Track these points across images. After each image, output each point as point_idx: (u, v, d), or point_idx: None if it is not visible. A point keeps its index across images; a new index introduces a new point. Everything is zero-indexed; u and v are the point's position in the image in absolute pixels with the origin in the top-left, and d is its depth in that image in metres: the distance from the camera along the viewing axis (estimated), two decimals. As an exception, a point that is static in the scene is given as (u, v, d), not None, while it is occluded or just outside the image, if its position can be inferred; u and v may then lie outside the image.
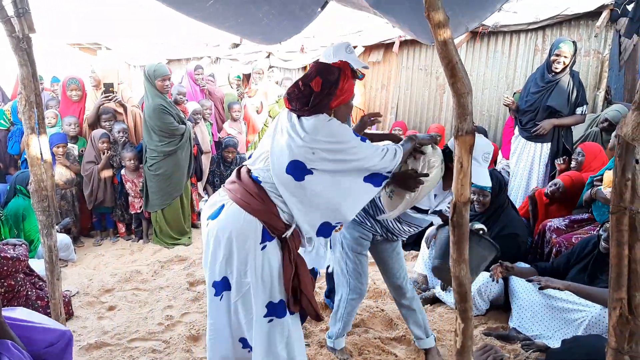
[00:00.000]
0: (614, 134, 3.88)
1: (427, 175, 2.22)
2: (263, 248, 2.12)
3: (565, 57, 4.53)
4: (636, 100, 1.08)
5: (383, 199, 2.46)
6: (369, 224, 2.82)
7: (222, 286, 2.23)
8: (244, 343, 2.33)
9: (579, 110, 4.63)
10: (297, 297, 2.20)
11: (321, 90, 2.06)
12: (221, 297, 2.26)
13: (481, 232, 2.60)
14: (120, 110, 5.42)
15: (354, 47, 7.71)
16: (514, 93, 5.94)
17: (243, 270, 2.15)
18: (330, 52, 3.06)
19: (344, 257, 2.89)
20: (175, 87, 5.43)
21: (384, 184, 2.19)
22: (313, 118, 2.07)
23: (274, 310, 2.18)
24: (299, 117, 2.12)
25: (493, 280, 3.35)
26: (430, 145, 2.31)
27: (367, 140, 2.16)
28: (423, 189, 2.24)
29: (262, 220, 2.11)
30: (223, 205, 2.19)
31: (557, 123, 4.66)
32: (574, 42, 4.62)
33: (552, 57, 4.61)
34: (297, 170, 2.04)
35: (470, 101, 1.30)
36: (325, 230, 2.20)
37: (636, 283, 1.13)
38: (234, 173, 2.27)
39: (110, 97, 5.12)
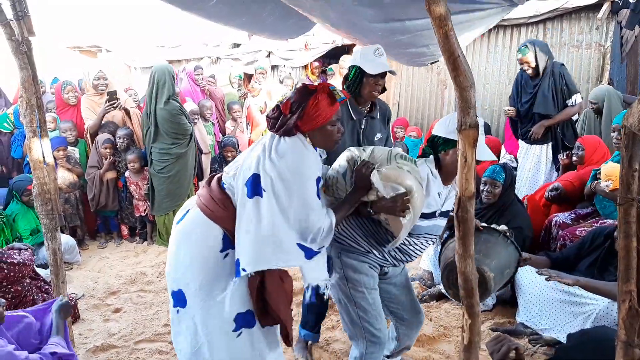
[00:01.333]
0: (614, 134, 3.87)
1: (405, 194, 2.01)
2: (225, 256, 2.01)
3: (527, 62, 4.55)
4: (642, 90, 1.07)
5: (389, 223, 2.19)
6: (376, 253, 2.35)
7: (177, 299, 2.08)
8: None
9: (569, 102, 4.60)
10: (267, 310, 2.03)
11: (290, 113, 1.96)
12: (177, 311, 2.10)
13: (507, 234, 2.35)
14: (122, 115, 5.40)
15: (353, 45, 7.74)
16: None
17: (202, 280, 2.01)
18: (357, 55, 2.80)
19: (352, 302, 2.33)
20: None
21: (315, 258, 1.99)
22: (289, 140, 1.97)
23: (243, 321, 2.04)
24: (280, 136, 2.01)
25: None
26: (387, 164, 2.12)
27: (320, 202, 1.98)
28: (415, 204, 2.04)
29: (224, 228, 2.00)
30: (189, 210, 2.12)
31: (548, 124, 4.63)
32: (527, 45, 4.59)
33: (519, 66, 4.73)
34: (254, 186, 1.92)
35: (473, 94, 1.28)
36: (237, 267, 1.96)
37: (645, 275, 1.11)
38: (207, 179, 2.17)
39: (115, 105, 5.09)
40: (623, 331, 1.13)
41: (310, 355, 3.02)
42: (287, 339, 2.11)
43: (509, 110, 4.86)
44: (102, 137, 5.12)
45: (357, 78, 2.78)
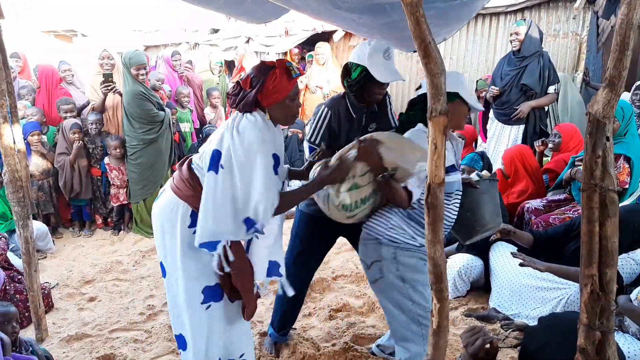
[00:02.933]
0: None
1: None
2: (194, 232, 2.08)
3: (517, 34, 4.76)
4: (606, 78, 1.08)
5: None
6: (423, 240, 2.24)
7: (162, 270, 2.25)
8: (181, 339, 2.26)
9: (550, 89, 4.75)
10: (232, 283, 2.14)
11: (250, 88, 2.04)
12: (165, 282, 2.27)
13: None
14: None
15: (334, 32, 7.71)
16: (477, 81, 6.00)
17: (175, 254, 2.14)
18: (364, 53, 2.50)
19: (412, 302, 2.24)
20: (153, 74, 5.35)
21: (252, 231, 2.06)
22: (249, 117, 2.05)
23: (211, 294, 2.16)
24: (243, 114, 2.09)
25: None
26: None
27: (277, 177, 2.07)
28: (401, 163, 2.13)
29: (192, 206, 2.11)
30: (164, 191, 2.26)
31: (534, 104, 4.76)
32: (525, 20, 4.89)
33: (509, 39, 4.94)
34: (214, 160, 2.03)
35: (443, 82, 1.29)
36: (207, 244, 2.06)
37: (607, 260, 1.14)
38: (181, 161, 2.27)
39: (110, 87, 4.99)
40: (585, 315, 1.16)
41: (276, 351, 2.98)
42: (244, 313, 2.21)
43: (493, 90, 4.92)
44: (69, 122, 4.99)
45: (361, 80, 2.51)
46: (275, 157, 2.06)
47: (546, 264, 3.05)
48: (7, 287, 3.38)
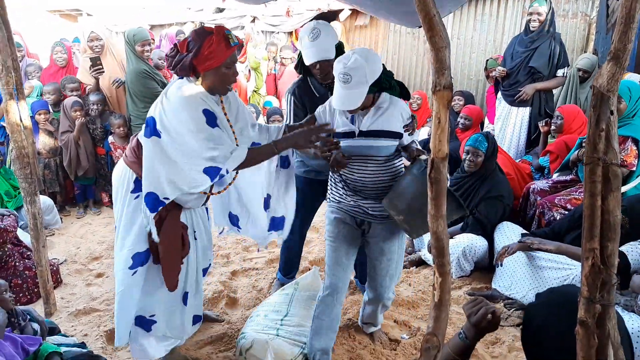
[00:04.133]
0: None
1: None
2: (136, 197, 2.25)
3: (539, 14, 4.62)
4: (611, 51, 1.08)
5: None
6: (342, 192, 2.48)
7: (116, 235, 2.39)
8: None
9: (559, 72, 4.70)
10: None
11: (187, 52, 2.07)
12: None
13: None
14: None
15: (340, 11, 7.64)
16: (487, 60, 5.94)
17: (120, 213, 2.31)
18: (300, 37, 2.65)
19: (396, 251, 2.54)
20: (156, 52, 5.30)
21: (217, 177, 2.17)
22: (177, 82, 2.13)
23: (139, 260, 2.29)
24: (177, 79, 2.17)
25: (498, 267, 3.31)
26: None
27: (218, 129, 2.14)
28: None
29: (135, 172, 2.24)
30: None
31: (540, 87, 4.72)
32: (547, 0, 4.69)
33: (527, 17, 4.76)
34: (152, 127, 2.11)
35: (448, 55, 1.28)
36: (149, 200, 2.17)
37: (609, 233, 1.14)
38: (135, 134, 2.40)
39: (100, 71, 4.98)
40: (585, 288, 1.17)
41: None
42: (167, 283, 2.33)
43: (501, 70, 4.88)
44: (70, 100, 4.98)
45: (302, 64, 2.71)
46: (207, 112, 2.10)
47: (556, 244, 3.06)
48: (17, 264, 3.44)
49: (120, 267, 2.31)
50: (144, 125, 2.18)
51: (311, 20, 8.03)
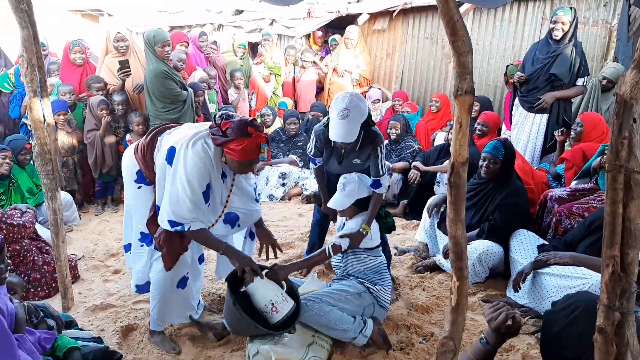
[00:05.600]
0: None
1: None
2: (139, 187, 2.61)
3: (562, 23, 4.58)
4: (635, 59, 1.08)
5: None
6: None
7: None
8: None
9: (579, 81, 4.66)
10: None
11: (223, 131, 2.35)
12: None
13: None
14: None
15: (358, 15, 7.64)
16: (508, 66, 5.91)
17: (126, 196, 2.75)
18: (331, 106, 2.97)
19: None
20: (175, 54, 5.38)
21: (175, 229, 2.43)
22: (204, 142, 2.39)
23: (144, 239, 2.69)
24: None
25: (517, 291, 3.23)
26: None
27: (204, 202, 2.44)
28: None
29: (139, 166, 2.57)
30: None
31: (559, 95, 4.69)
32: (572, 8, 4.65)
33: (551, 25, 4.67)
34: (170, 155, 2.40)
35: (470, 60, 1.29)
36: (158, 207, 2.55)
37: (629, 241, 1.14)
38: (151, 129, 2.70)
39: (127, 73, 5.06)
40: (605, 295, 1.16)
41: (308, 271, 3.67)
42: (165, 264, 2.61)
43: (520, 76, 4.85)
44: (96, 99, 5.09)
45: (327, 126, 3.00)
46: (208, 186, 2.42)
47: (572, 255, 3.02)
48: (36, 258, 3.50)
49: (133, 238, 2.78)
50: (163, 150, 2.46)
51: (329, 22, 8.08)
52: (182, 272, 2.72)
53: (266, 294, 2.52)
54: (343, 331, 2.65)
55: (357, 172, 3.06)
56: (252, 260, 2.61)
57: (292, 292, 2.69)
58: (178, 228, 2.40)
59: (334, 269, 3.18)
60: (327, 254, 2.81)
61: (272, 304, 2.51)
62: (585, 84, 4.69)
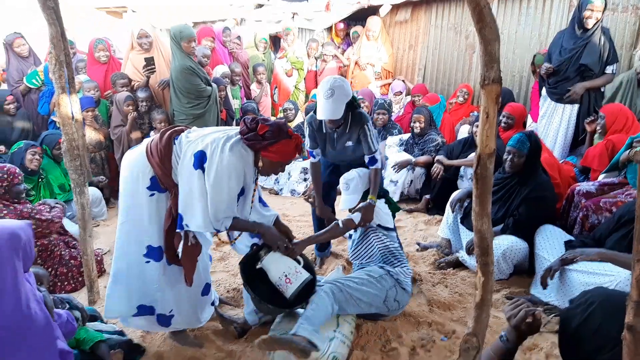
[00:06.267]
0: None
1: None
2: (151, 195, 2.41)
3: (597, 11, 4.45)
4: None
5: None
6: None
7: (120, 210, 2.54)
8: (114, 276, 2.60)
9: (608, 69, 4.54)
10: (176, 252, 2.43)
11: (262, 135, 2.34)
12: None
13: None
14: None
15: (380, 6, 7.57)
16: (535, 55, 5.77)
17: (129, 203, 2.45)
18: (318, 89, 3.16)
19: None
20: (200, 49, 5.42)
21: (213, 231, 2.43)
22: (241, 150, 2.35)
23: (151, 254, 2.47)
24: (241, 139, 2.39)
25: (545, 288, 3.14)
26: None
27: (243, 205, 2.52)
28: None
29: (155, 172, 2.39)
30: (143, 144, 2.54)
31: (589, 86, 4.58)
32: None
33: (585, 13, 4.52)
34: (200, 160, 2.31)
35: (497, 48, 1.26)
36: (179, 220, 2.38)
37: (662, 235, 1.10)
38: (164, 129, 2.52)
39: (152, 70, 5.13)
40: (636, 291, 1.13)
41: (322, 263, 3.88)
42: (187, 281, 2.51)
43: (548, 67, 4.75)
44: (122, 95, 5.16)
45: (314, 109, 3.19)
46: (242, 189, 2.42)
47: (599, 252, 2.94)
48: (63, 253, 3.58)
49: (131, 254, 2.48)
50: (189, 155, 2.34)
51: (350, 14, 8.02)
52: (204, 280, 2.68)
53: (279, 267, 2.60)
54: (377, 296, 2.75)
55: (351, 156, 3.32)
56: (282, 237, 2.66)
57: (308, 268, 2.73)
58: (218, 232, 2.42)
59: (351, 260, 3.23)
60: (341, 229, 2.94)
61: (285, 276, 2.57)
62: (614, 71, 4.56)
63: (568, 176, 4.26)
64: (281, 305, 2.59)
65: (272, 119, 2.74)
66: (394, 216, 3.27)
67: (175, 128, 2.53)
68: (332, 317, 2.65)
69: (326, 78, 3.11)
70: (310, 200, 3.81)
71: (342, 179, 3.21)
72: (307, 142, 3.43)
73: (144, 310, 2.58)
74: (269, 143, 2.35)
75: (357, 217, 2.97)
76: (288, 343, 2.29)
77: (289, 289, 2.57)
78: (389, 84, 7.38)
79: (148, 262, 2.48)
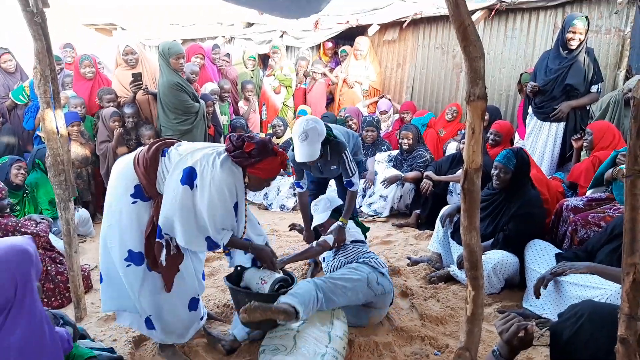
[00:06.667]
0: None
1: None
2: (134, 202, 2.46)
3: (580, 33, 4.55)
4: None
5: None
6: None
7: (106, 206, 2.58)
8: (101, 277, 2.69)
9: (593, 89, 4.65)
10: (156, 259, 2.48)
11: (248, 153, 2.41)
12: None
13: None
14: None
15: (369, 26, 7.67)
16: (522, 74, 5.86)
17: (112, 207, 2.51)
18: (294, 130, 3.29)
19: None
20: (188, 66, 5.43)
21: (214, 249, 2.55)
22: (231, 166, 2.43)
23: (132, 258, 2.49)
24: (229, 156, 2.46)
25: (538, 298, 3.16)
26: None
27: (239, 218, 2.58)
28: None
29: (140, 180, 2.45)
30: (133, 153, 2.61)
31: (575, 104, 4.66)
32: (586, 17, 4.62)
33: (567, 35, 4.63)
34: (189, 176, 2.36)
35: (482, 65, 1.27)
36: (159, 230, 2.44)
37: (650, 248, 1.11)
38: (155, 141, 2.59)
39: (140, 86, 5.12)
40: (626, 304, 1.13)
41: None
42: (166, 287, 2.56)
43: (533, 86, 4.82)
44: (109, 111, 5.12)
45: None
46: (236, 205, 2.49)
47: (588, 265, 2.96)
48: (49, 268, 3.51)
49: (114, 257, 2.53)
50: (178, 170, 2.39)
51: (339, 33, 8.10)
52: (190, 292, 2.69)
53: (257, 275, 2.75)
54: (359, 281, 2.84)
55: (338, 173, 3.57)
56: (271, 256, 2.80)
57: (287, 275, 2.90)
58: (215, 248, 2.51)
59: (325, 272, 3.35)
60: (316, 249, 3.21)
61: (261, 279, 2.72)
62: (599, 90, 4.65)
63: (556, 191, 4.30)
64: (259, 296, 2.66)
65: (261, 134, 2.79)
66: (365, 237, 3.59)
67: (165, 140, 2.59)
68: (322, 326, 2.67)
69: (299, 120, 3.25)
70: (297, 228, 3.92)
71: (312, 204, 3.52)
72: (295, 176, 3.70)
73: (130, 309, 2.64)
74: (255, 161, 2.42)
75: (330, 239, 3.22)
76: (269, 309, 2.36)
77: (264, 288, 2.70)
78: (377, 102, 7.44)
79: (129, 265, 2.50)
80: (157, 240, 2.44)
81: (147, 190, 2.46)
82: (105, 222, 2.56)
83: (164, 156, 2.49)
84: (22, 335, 1.67)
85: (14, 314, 1.68)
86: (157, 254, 2.46)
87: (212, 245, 2.49)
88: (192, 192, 2.37)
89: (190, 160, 2.40)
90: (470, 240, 1.35)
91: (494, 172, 3.65)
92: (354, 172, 3.42)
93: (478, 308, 1.38)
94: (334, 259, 3.26)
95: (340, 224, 3.28)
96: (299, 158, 3.20)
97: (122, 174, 2.52)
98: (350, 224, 3.40)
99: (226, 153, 2.46)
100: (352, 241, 3.31)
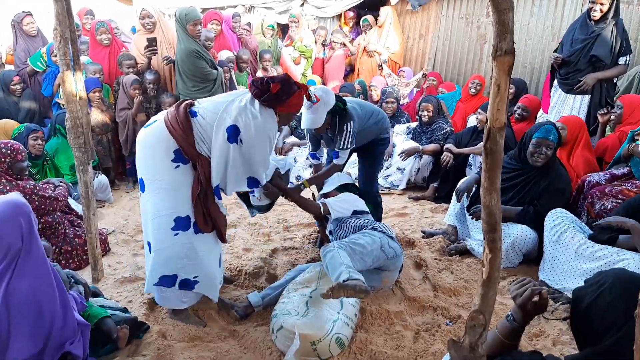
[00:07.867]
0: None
1: None
2: (177, 167, 2.51)
3: (601, 3, 4.35)
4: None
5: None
6: None
7: (141, 185, 2.62)
8: (148, 246, 2.67)
9: (621, 60, 4.46)
10: (206, 219, 2.59)
11: (276, 94, 2.51)
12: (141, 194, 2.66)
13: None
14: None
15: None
16: (556, 49, 5.68)
17: (154, 177, 2.53)
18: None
19: None
20: (203, 32, 5.35)
21: (255, 191, 2.90)
22: (265, 109, 2.54)
23: (181, 225, 2.54)
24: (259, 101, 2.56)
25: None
26: None
27: (274, 155, 2.82)
28: None
29: (179, 144, 2.48)
30: (155, 121, 2.63)
31: (601, 76, 4.50)
32: None
33: (589, 5, 4.47)
34: (234, 134, 2.46)
35: (511, 18, 1.21)
36: (217, 191, 2.59)
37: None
38: (177, 104, 2.62)
39: (154, 51, 5.08)
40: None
41: None
42: (222, 238, 2.75)
43: (557, 57, 4.68)
44: (129, 78, 5.10)
45: None
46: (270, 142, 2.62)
47: (634, 223, 2.86)
48: (67, 231, 3.57)
49: (160, 228, 2.55)
50: (220, 132, 2.47)
51: (360, 2, 7.92)
52: (220, 249, 2.83)
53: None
54: (374, 243, 2.91)
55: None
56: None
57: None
58: (256, 186, 2.71)
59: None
60: (316, 204, 3.37)
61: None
62: (627, 62, 4.48)
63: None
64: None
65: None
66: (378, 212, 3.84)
67: (186, 101, 2.63)
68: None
69: (310, 89, 3.29)
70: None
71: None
72: (308, 145, 3.80)
73: (165, 281, 2.63)
74: (285, 99, 2.56)
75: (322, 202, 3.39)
76: (353, 287, 2.39)
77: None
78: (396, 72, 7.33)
79: (177, 234, 2.55)
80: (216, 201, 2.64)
81: (186, 152, 2.49)
82: (145, 196, 2.59)
83: (195, 116, 2.53)
84: (34, 275, 1.87)
85: (23, 259, 1.88)
86: (215, 215, 2.61)
87: (253, 184, 2.64)
88: (239, 147, 2.48)
89: (229, 119, 2.48)
90: (490, 201, 1.31)
91: (535, 148, 3.48)
92: (345, 147, 3.34)
93: (495, 271, 1.34)
94: (339, 229, 3.26)
95: (301, 186, 3.44)
96: (303, 124, 3.29)
97: (156, 142, 2.52)
98: (349, 195, 3.49)
99: (254, 100, 2.55)
100: (354, 212, 3.35)
